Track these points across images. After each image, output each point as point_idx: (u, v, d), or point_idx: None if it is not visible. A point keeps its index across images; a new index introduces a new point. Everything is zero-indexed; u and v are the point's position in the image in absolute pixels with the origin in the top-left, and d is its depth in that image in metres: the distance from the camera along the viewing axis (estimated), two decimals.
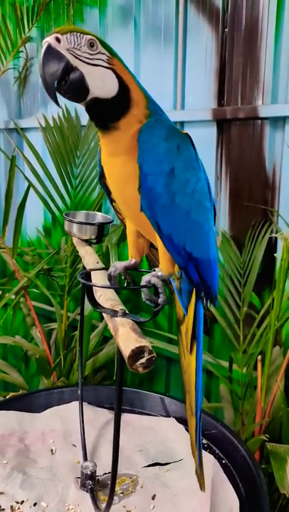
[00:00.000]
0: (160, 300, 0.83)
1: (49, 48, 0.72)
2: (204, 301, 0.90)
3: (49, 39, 0.72)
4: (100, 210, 2.28)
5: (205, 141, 1.95)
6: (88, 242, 1.20)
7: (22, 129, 2.62)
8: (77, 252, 2.16)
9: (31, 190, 2.18)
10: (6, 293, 2.22)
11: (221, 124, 1.93)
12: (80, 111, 2.34)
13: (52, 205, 2.27)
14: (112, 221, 1.22)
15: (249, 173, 1.88)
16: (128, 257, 0.97)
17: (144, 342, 0.63)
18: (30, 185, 2.17)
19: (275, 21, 1.73)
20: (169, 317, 2.22)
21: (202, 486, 0.98)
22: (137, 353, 0.62)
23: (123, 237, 2.04)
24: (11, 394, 2.09)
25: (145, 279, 0.84)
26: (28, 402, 1.42)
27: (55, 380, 2.18)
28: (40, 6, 2.44)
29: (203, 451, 1.20)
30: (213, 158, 1.96)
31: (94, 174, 2.25)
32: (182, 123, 2.01)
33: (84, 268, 1.19)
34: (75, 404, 1.41)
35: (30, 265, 2.55)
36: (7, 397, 2.02)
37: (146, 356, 0.62)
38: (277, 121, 1.78)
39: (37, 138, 2.52)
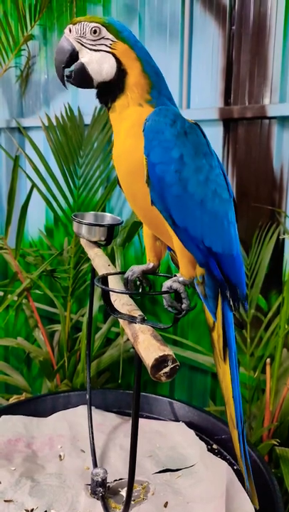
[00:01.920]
0: (184, 306, 0.79)
1: (63, 37, 0.81)
2: (231, 303, 0.86)
3: (65, 30, 0.81)
4: (104, 211, 2.26)
5: (211, 140, 1.89)
6: (97, 243, 1.18)
7: (24, 128, 2.59)
8: (81, 253, 2.16)
9: (34, 190, 2.16)
10: (8, 294, 2.20)
11: (227, 123, 1.91)
12: (83, 110, 2.32)
13: (55, 205, 2.25)
14: (122, 222, 1.19)
15: (256, 174, 1.86)
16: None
17: (168, 350, 0.60)
18: (34, 185, 2.15)
19: (284, 18, 1.70)
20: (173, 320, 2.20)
21: (254, 502, 0.96)
22: (161, 361, 0.59)
23: (128, 238, 2.02)
24: (14, 396, 2.07)
25: (166, 284, 0.81)
26: (35, 406, 1.40)
27: (58, 383, 2.16)
28: (43, 4, 2.41)
29: (215, 457, 1.19)
30: (219, 158, 1.93)
31: (98, 174, 2.23)
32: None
33: (93, 270, 1.16)
34: (82, 408, 1.38)
35: (33, 266, 2.52)
36: (10, 399, 2.00)
37: (170, 365, 0.60)
38: (286, 120, 1.76)
39: (39, 137, 2.49)
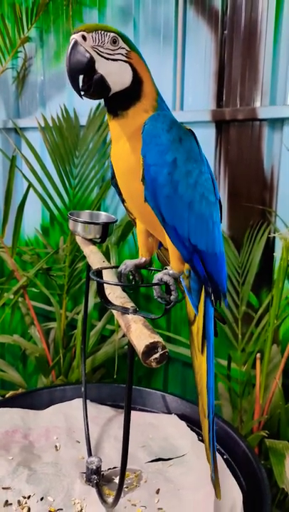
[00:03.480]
0: (172, 297, 0.85)
1: (75, 44, 0.77)
2: (213, 298, 0.91)
3: (76, 36, 0.77)
4: (99, 210, 2.30)
5: (204, 141, 1.94)
6: (92, 241, 1.22)
7: (20, 128, 2.63)
8: (76, 251, 2.20)
9: (30, 189, 2.19)
10: (4, 292, 2.23)
11: (219, 125, 1.95)
12: (78, 111, 2.36)
13: (51, 204, 2.29)
14: (116, 221, 1.23)
15: (247, 174, 1.91)
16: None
17: (157, 338, 0.65)
18: (30, 185, 2.19)
19: (274, 23, 1.75)
20: (168, 316, 2.25)
21: (218, 495, 0.98)
22: (151, 348, 0.64)
23: (123, 237, 2.07)
24: (11, 392, 2.10)
25: (157, 277, 0.87)
26: (31, 399, 1.43)
27: (54, 379, 2.20)
28: (39, 7, 2.45)
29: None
30: (211, 158, 1.98)
31: (93, 174, 2.27)
32: (181, 123, 2.03)
33: (88, 266, 1.21)
34: (78, 401, 1.42)
35: (29, 264, 2.56)
36: (7, 395, 2.03)
37: (160, 351, 0.64)
38: (276, 122, 1.81)
39: (35, 137, 2.53)
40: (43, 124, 2.31)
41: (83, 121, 2.32)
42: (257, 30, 1.80)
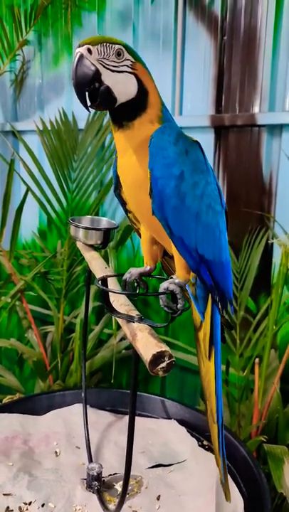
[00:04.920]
0: (179, 306, 0.85)
1: (81, 58, 0.78)
2: (219, 306, 0.92)
3: (81, 50, 0.77)
4: (97, 215, 2.30)
5: (203, 147, 1.98)
6: (93, 247, 1.22)
7: (18, 131, 2.63)
8: (74, 255, 2.20)
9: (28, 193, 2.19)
10: (2, 296, 2.23)
11: (218, 130, 1.96)
12: (77, 115, 2.36)
13: (49, 208, 2.28)
14: (118, 227, 1.23)
15: (246, 180, 1.92)
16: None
17: (164, 347, 0.65)
18: (29, 189, 2.18)
19: (273, 30, 1.76)
20: (168, 320, 2.25)
21: (227, 497, 0.99)
22: (158, 357, 0.64)
23: (121, 241, 2.07)
24: (8, 397, 2.09)
25: (163, 286, 0.87)
26: (31, 404, 1.43)
27: (51, 383, 2.19)
28: (38, 10, 2.45)
29: (205, 452, 1.23)
30: (210, 164, 1.99)
31: (91, 178, 2.27)
32: (180, 129, 2.04)
33: (89, 272, 1.21)
34: (77, 406, 1.42)
35: (26, 268, 2.55)
36: (4, 400, 2.02)
37: (167, 361, 0.64)
38: (275, 128, 1.82)
39: (33, 141, 2.53)
40: (41, 128, 2.31)
41: (82, 124, 2.32)
42: (256, 36, 1.81)
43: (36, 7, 2.45)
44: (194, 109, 2.03)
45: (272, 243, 1.87)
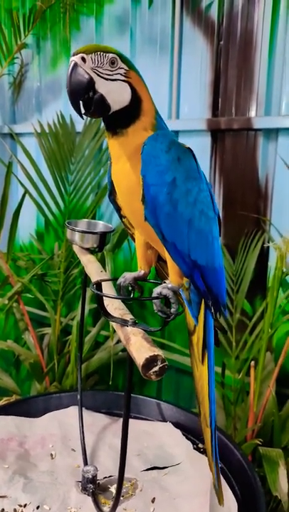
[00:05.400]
0: (172, 310, 0.86)
1: (75, 66, 0.79)
2: (212, 310, 0.93)
3: (76, 58, 0.79)
4: (94, 218, 2.31)
5: (199, 150, 1.99)
6: (90, 250, 1.22)
7: (16, 134, 2.64)
8: (71, 258, 2.21)
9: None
10: None
11: (215, 134, 1.97)
12: (75, 118, 2.37)
13: (46, 210, 2.29)
14: (114, 230, 1.24)
15: (242, 183, 1.93)
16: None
17: (157, 351, 0.66)
18: (26, 191, 2.19)
19: (269, 34, 1.77)
20: (162, 322, 2.25)
21: (220, 501, 1.00)
22: (151, 361, 0.65)
23: (118, 244, 2.08)
24: (4, 399, 2.10)
25: (156, 290, 0.88)
26: (27, 407, 1.43)
27: (48, 385, 2.20)
28: (37, 14, 2.46)
29: (200, 455, 1.24)
30: (207, 167, 2.00)
31: (88, 181, 2.28)
32: (177, 132, 2.05)
33: (85, 275, 1.21)
34: (73, 409, 1.43)
35: (23, 270, 2.56)
36: (0, 402, 2.03)
37: (159, 365, 0.65)
38: (271, 132, 1.83)
39: (31, 143, 2.54)
40: (39, 130, 2.32)
41: (79, 127, 2.33)
42: (252, 41, 1.83)
43: (35, 11, 2.46)
44: (191, 112, 2.04)
45: (268, 247, 1.88)
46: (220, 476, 1.02)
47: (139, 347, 0.68)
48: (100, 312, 0.80)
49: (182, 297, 0.92)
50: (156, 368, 0.65)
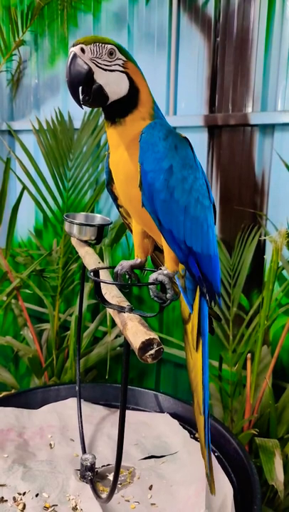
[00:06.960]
0: (168, 296, 0.88)
1: (75, 57, 0.80)
2: (207, 298, 0.94)
3: (75, 49, 0.80)
4: (92, 213, 2.33)
5: (196, 146, 1.97)
6: (88, 243, 1.24)
7: (15, 130, 2.65)
8: (70, 253, 2.22)
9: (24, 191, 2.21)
10: None
11: (212, 130, 1.99)
12: (73, 114, 2.38)
13: (44, 206, 2.31)
14: (111, 223, 1.26)
15: (239, 178, 1.94)
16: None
17: (153, 335, 0.67)
18: (25, 187, 2.20)
19: (266, 31, 1.79)
20: (160, 317, 2.27)
21: (212, 490, 1.01)
22: (147, 344, 0.67)
23: (116, 239, 2.09)
24: (3, 393, 2.11)
25: (152, 277, 0.90)
26: (26, 398, 1.45)
27: (47, 380, 2.21)
28: (35, 10, 2.48)
29: (197, 444, 1.26)
30: (204, 163, 2.02)
31: (87, 177, 2.29)
32: (174, 128, 2.07)
33: (83, 267, 1.23)
34: (72, 400, 1.45)
35: (22, 266, 2.57)
36: (0, 396, 2.04)
37: (156, 348, 0.67)
38: (267, 128, 1.85)
39: (29, 140, 2.55)
40: (37, 127, 2.33)
41: (77, 124, 2.34)
42: (249, 38, 1.84)
43: (33, 8, 2.48)
44: (188, 108, 2.05)
45: (264, 240, 1.89)
46: (212, 463, 1.03)
47: (136, 331, 0.70)
48: (98, 300, 0.82)
49: (178, 285, 0.94)
50: (152, 351, 0.67)
